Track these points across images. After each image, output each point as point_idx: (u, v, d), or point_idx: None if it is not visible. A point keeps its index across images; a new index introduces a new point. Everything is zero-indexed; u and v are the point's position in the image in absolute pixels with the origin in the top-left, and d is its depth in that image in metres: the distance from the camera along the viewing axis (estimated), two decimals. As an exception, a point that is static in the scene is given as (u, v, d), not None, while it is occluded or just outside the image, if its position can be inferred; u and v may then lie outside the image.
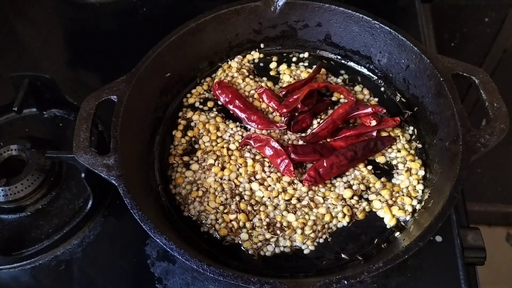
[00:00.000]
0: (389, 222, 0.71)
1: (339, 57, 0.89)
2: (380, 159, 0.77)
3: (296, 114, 0.80)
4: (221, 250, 0.69)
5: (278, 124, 0.79)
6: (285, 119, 0.79)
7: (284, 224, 0.71)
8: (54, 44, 1.02)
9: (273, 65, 0.89)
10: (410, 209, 0.72)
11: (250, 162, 0.75)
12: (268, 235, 0.70)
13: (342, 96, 0.84)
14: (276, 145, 0.74)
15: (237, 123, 0.81)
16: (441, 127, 0.74)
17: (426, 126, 0.78)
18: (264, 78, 0.88)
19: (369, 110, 0.77)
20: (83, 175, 0.68)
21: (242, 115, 0.81)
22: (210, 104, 0.84)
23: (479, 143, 0.67)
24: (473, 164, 0.65)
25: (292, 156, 0.74)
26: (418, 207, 0.72)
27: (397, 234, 0.70)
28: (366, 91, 0.85)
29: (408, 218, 0.71)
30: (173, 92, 0.85)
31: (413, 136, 0.80)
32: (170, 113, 0.84)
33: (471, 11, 1.23)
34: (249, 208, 0.72)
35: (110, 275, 0.70)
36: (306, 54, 0.90)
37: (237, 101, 0.81)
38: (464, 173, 0.64)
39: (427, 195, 0.72)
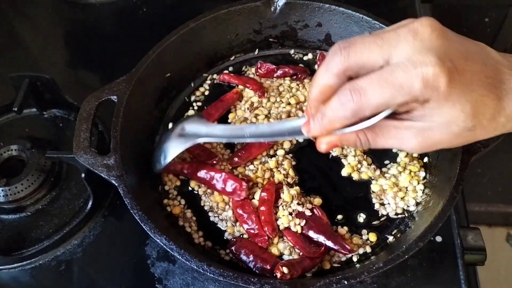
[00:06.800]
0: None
1: (339, 57, 0.89)
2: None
3: None
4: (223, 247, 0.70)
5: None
6: None
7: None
8: (54, 44, 1.02)
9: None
10: (410, 209, 0.72)
11: None
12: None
13: None
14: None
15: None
16: (441, 127, 0.74)
17: (426, 126, 0.78)
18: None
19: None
20: (83, 175, 0.68)
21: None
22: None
23: (479, 143, 0.67)
24: (473, 164, 0.65)
25: None
26: (418, 207, 0.72)
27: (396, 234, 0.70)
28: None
29: (408, 218, 0.71)
30: (173, 92, 0.85)
31: (413, 136, 0.80)
32: (170, 113, 0.84)
33: (471, 11, 1.23)
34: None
35: (110, 275, 0.70)
36: (310, 55, 0.90)
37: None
38: (464, 173, 0.65)
39: (427, 195, 0.72)
